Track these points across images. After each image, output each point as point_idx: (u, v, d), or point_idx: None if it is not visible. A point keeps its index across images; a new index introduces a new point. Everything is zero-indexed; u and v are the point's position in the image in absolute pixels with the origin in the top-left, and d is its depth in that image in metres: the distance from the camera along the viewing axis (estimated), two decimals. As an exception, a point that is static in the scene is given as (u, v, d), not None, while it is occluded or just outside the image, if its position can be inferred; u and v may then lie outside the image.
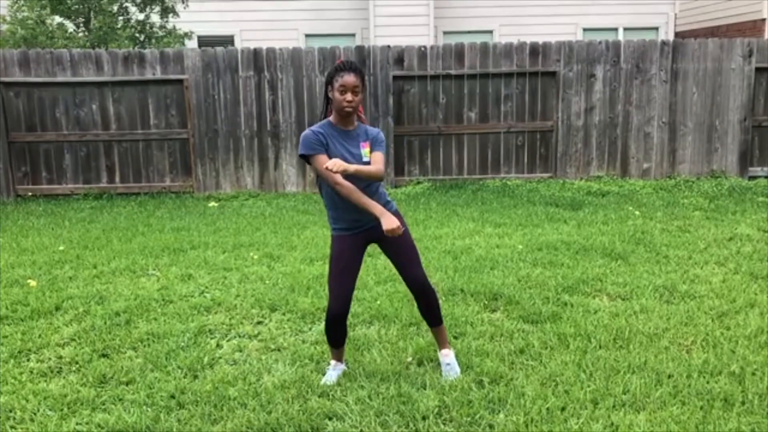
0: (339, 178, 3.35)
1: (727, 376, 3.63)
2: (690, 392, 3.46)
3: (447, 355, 3.81)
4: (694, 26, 16.13)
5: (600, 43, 9.91)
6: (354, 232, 3.59)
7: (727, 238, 6.72)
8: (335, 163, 3.21)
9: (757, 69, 9.89)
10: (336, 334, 3.68)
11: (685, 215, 7.88)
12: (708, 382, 3.57)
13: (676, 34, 15.10)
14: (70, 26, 12.03)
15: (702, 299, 4.89)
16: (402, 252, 3.66)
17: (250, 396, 3.55)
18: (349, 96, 3.42)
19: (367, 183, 3.51)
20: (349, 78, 3.41)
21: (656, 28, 14.70)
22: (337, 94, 3.43)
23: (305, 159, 3.49)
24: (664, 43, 9.96)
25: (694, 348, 4.05)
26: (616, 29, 14.49)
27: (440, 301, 4.06)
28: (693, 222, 7.50)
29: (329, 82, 3.49)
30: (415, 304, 3.81)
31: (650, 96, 9.96)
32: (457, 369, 3.77)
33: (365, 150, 3.54)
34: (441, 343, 3.83)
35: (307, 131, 3.50)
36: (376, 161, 3.51)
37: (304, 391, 3.58)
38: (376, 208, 3.37)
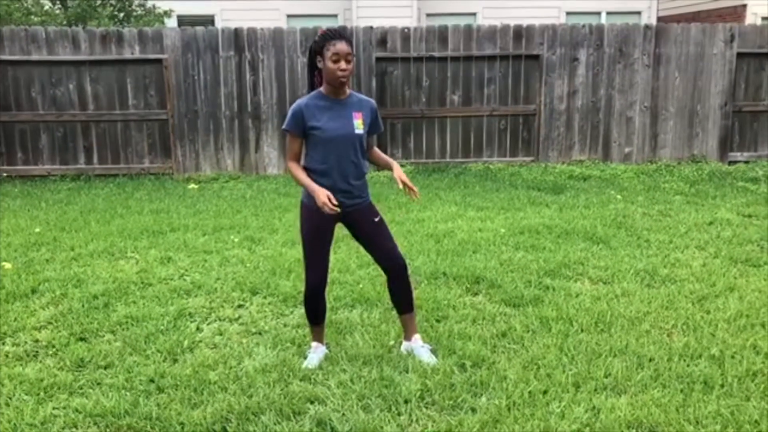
0: (290, 160, 3.49)
1: (707, 360, 3.65)
2: (671, 375, 3.48)
3: (419, 339, 3.78)
4: (676, 11, 16.17)
5: (583, 26, 9.89)
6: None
7: (708, 222, 6.76)
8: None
9: (739, 54, 9.93)
10: (316, 308, 3.65)
11: (666, 199, 7.92)
12: (688, 366, 3.59)
13: (659, 19, 15.12)
14: (47, 3, 11.77)
15: (683, 283, 4.92)
16: (378, 233, 3.63)
17: (231, 380, 3.51)
18: (343, 64, 3.32)
19: (356, 165, 3.50)
20: (342, 46, 3.31)
21: (639, 13, 14.70)
22: (330, 64, 3.32)
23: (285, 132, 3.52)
24: (647, 27, 9.96)
25: (675, 332, 4.07)
26: (599, 13, 14.46)
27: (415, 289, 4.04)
28: (674, 206, 7.54)
29: (318, 52, 3.38)
30: (388, 293, 3.78)
31: (633, 80, 9.97)
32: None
33: (358, 121, 3.47)
34: (412, 330, 3.79)
35: (294, 105, 3.46)
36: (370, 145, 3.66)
37: (286, 375, 3.55)
38: (311, 185, 3.38)
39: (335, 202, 3.30)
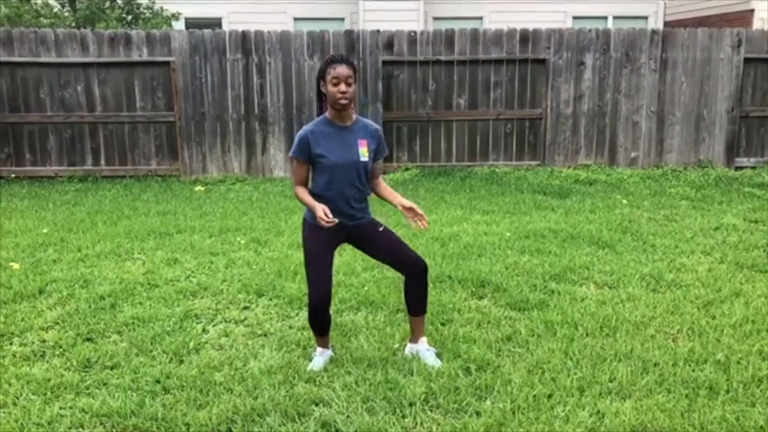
0: (298, 185, 3.52)
1: (713, 365, 3.65)
2: (676, 380, 3.48)
3: (425, 342, 3.80)
4: (683, 16, 16.15)
5: (590, 31, 9.89)
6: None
7: (713, 227, 6.75)
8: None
9: (746, 59, 9.91)
10: (321, 322, 3.66)
11: (672, 204, 7.91)
12: (693, 371, 3.58)
13: (665, 24, 15.11)
14: (56, 5, 11.85)
15: (688, 288, 4.91)
16: (387, 241, 3.66)
17: (236, 381, 3.53)
18: (342, 87, 3.38)
19: (360, 190, 3.55)
20: (342, 69, 3.38)
21: (645, 17, 14.70)
22: (330, 87, 3.40)
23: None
24: (653, 32, 9.95)
25: (680, 336, 4.07)
26: (605, 18, 14.47)
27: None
28: (680, 211, 7.53)
29: (321, 77, 3.45)
30: (403, 292, 3.77)
31: (639, 85, 9.96)
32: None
33: (363, 149, 3.52)
34: (419, 333, 3.81)
35: (301, 131, 3.52)
36: (376, 173, 3.69)
37: (291, 377, 3.56)
38: (311, 202, 3.42)
39: (331, 216, 3.33)
